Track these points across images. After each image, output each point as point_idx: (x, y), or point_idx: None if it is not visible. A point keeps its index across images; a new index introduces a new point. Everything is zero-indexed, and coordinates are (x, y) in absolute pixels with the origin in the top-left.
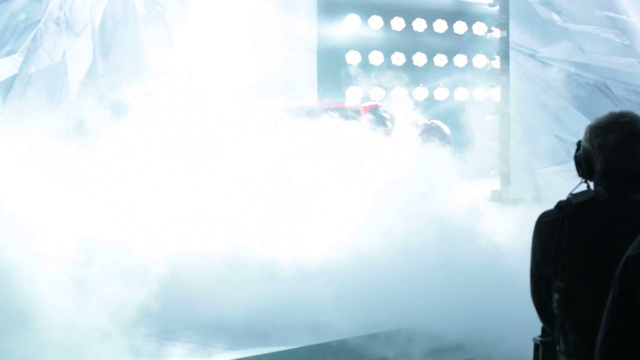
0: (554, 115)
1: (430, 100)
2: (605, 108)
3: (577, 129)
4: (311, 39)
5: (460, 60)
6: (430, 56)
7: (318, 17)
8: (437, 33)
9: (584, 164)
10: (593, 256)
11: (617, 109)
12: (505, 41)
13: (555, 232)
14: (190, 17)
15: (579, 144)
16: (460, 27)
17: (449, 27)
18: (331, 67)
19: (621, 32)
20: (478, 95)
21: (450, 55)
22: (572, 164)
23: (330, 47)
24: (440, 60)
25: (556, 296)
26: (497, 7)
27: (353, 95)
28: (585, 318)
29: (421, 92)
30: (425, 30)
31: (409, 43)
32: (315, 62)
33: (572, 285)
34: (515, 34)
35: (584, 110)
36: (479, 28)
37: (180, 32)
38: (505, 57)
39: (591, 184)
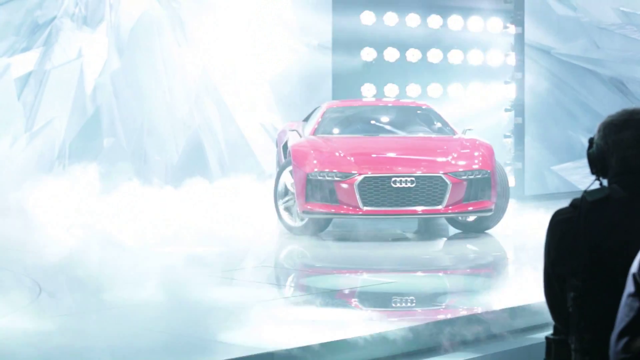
0: (569, 111)
1: (445, 97)
2: (620, 105)
3: (592, 125)
4: (326, 35)
5: (475, 56)
6: (445, 53)
7: (333, 12)
8: (452, 30)
9: (597, 161)
10: (609, 254)
11: (632, 105)
12: (520, 37)
13: (571, 230)
14: (205, 13)
15: (591, 141)
16: (475, 23)
17: (464, 23)
18: (346, 63)
19: (637, 29)
20: (493, 92)
21: (465, 52)
22: (586, 160)
23: (345, 43)
24: (455, 56)
25: (572, 295)
26: (512, 3)
27: (368, 92)
28: (601, 316)
29: (436, 88)
30: (441, 26)
31: (424, 39)
32: (330, 58)
33: (589, 284)
34: (531, 30)
35: (599, 107)
36: (494, 24)
37: (195, 29)
38: (520, 54)
39: (604, 182)
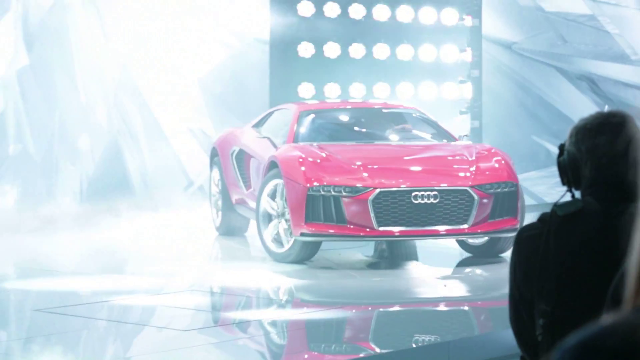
0: (533, 114)
1: (393, 97)
2: (591, 106)
3: (559, 129)
4: (263, 28)
5: (426, 52)
6: (393, 48)
7: (271, 4)
8: (401, 22)
9: (569, 170)
10: (583, 274)
11: (603, 107)
12: (477, 31)
13: (539, 248)
14: (126, 4)
15: (561, 147)
16: (427, 15)
17: (414, 15)
18: (284, 59)
19: (610, 20)
20: (447, 91)
21: (416, 47)
22: (553, 169)
23: (283, 37)
24: (404, 52)
25: (541, 321)
26: None
27: (305, 92)
28: None
29: (382, 89)
30: (389, 18)
31: (370, 33)
32: (267, 54)
33: (559, 308)
34: (489, 22)
35: (567, 109)
36: (449, 16)
37: (115, 21)
38: (477, 49)
39: (577, 193)
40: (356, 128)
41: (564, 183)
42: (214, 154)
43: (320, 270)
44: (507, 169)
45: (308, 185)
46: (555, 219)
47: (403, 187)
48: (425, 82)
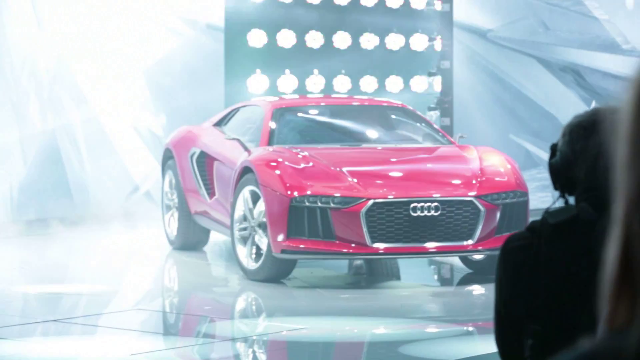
0: (510, 110)
1: (356, 91)
2: (575, 102)
3: (541, 127)
4: (217, 12)
5: (393, 40)
6: (356, 36)
7: None
8: (365, 7)
9: (562, 173)
10: (577, 290)
11: (591, 102)
12: (447, 17)
13: (528, 260)
14: None
15: (553, 148)
16: None
17: None
18: (238, 48)
19: (598, 5)
20: (414, 85)
21: (382, 35)
22: (534, 172)
23: (240, 23)
24: (368, 41)
25: (530, 342)
26: None
27: (256, 84)
28: None
29: (344, 82)
30: (349, 3)
31: (330, 19)
32: (221, 42)
33: (551, 328)
34: (461, 7)
35: (549, 105)
36: (417, 0)
37: (49, 6)
38: (447, 38)
39: (571, 199)
40: (339, 128)
41: (556, 188)
42: (167, 156)
43: (294, 289)
44: (515, 175)
45: (289, 194)
46: (546, 228)
47: (400, 197)
48: (391, 75)
